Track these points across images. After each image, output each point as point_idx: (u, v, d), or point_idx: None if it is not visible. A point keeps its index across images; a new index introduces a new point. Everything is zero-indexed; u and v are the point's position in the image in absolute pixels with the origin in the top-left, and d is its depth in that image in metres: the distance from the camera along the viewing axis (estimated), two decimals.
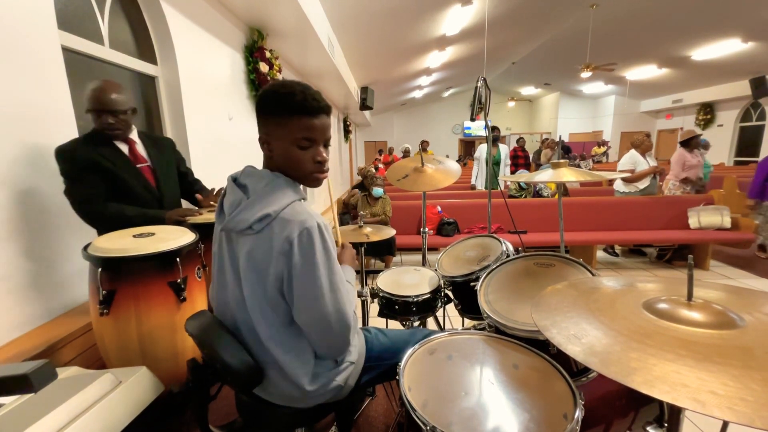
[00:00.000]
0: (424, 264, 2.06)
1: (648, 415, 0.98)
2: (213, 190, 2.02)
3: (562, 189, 4.46)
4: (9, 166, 1.39)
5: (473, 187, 5.53)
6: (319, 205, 7.16)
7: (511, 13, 6.15)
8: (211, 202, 1.93)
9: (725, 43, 7.25)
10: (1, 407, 0.86)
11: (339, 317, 0.87)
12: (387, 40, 5.81)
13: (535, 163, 7.62)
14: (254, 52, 3.47)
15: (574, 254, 3.81)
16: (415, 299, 1.54)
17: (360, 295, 1.74)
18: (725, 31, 6.81)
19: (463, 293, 1.50)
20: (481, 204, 4.09)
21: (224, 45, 3.09)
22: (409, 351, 0.97)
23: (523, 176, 3.64)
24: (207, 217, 1.75)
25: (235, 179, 0.93)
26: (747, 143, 9.72)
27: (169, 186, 1.72)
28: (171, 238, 1.37)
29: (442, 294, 1.62)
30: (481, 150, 5.36)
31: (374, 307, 1.74)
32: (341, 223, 4.01)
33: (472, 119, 2.25)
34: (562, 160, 1.49)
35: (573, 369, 1.00)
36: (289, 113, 0.85)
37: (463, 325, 1.76)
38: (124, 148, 1.57)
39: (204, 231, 1.50)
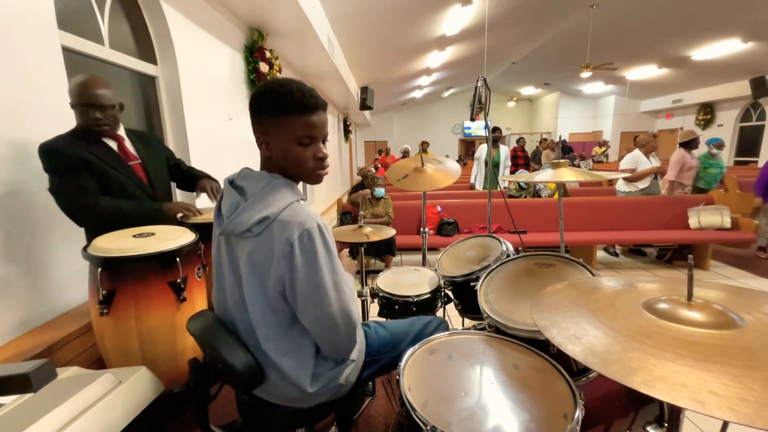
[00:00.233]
0: (424, 264, 2.06)
1: (648, 415, 0.98)
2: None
3: (562, 189, 4.46)
4: (10, 166, 1.39)
5: (472, 187, 5.53)
6: (319, 205, 7.16)
7: (511, 13, 6.15)
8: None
9: (725, 43, 7.25)
10: (1, 407, 0.86)
11: (344, 316, 0.87)
12: (387, 40, 5.81)
13: (533, 164, 7.62)
14: (254, 52, 3.47)
15: (574, 254, 3.81)
16: (415, 299, 1.54)
17: (360, 295, 1.74)
18: (725, 31, 6.81)
19: (463, 293, 1.50)
20: (481, 204, 4.09)
21: (224, 45, 3.09)
22: (409, 351, 0.97)
23: (523, 176, 3.64)
24: (207, 217, 1.75)
25: (231, 181, 0.92)
26: (747, 143, 9.72)
27: (161, 183, 1.67)
28: (171, 238, 1.37)
29: (442, 294, 1.62)
30: (482, 150, 5.36)
31: (374, 307, 1.74)
32: (341, 224, 4.01)
33: (472, 119, 2.25)
34: (562, 160, 1.49)
35: (573, 369, 1.00)
36: (287, 112, 0.84)
37: (463, 325, 1.76)
38: (113, 145, 1.51)
39: (204, 231, 1.49)
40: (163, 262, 1.34)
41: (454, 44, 7.06)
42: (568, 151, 9.76)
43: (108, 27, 2.04)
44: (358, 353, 1.03)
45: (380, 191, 3.71)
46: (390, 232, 1.85)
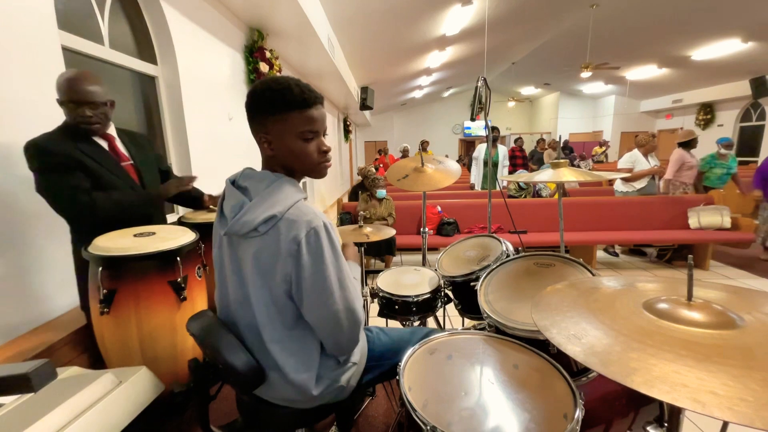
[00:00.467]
0: (424, 264, 2.06)
1: (648, 415, 0.98)
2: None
3: (562, 189, 4.46)
4: (14, 167, 1.39)
5: (472, 187, 5.54)
6: (319, 205, 7.16)
7: (511, 13, 6.15)
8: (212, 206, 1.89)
9: (725, 43, 7.25)
10: (1, 407, 0.86)
11: (349, 314, 0.88)
12: (387, 40, 5.81)
13: (530, 164, 7.62)
14: (254, 52, 3.47)
15: (574, 254, 3.81)
16: (415, 299, 1.54)
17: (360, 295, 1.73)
18: (725, 31, 6.81)
19: (463, 293, 1.50)
20: (481, 204, 4.09)
21: (224, 45, 3.09)
22: (409, 351, 0.97)
23: (522, 176, 3.64)
24: (207, 216, 1.75)
25: (233, 182, 0.93)
26: (747, 143, 9.71)
27: (154, 185, 1.61)
28: (171, 237, 1.38)
29: (442, 294, 1.62)
30: (480, 150, 5.37)
31: (374, 307, 1.74)
32: (341, 223, 4.01)
33: (472, 119, 2.25)
34: (562, 160, 1.49)
35: (573, 369, 1.00)
36: (288, 108, 0.85)
37: (463, 325, 1.76)
38: (104, 144, 1.45)
39: (204, 231, 1.49)
40: (164, 261, 1.34)
41: (454, 44, 7.05)
42: (568, 151, 9.75)
43: (108, 27, 2.04)
44: (360, 356, 1.03)
45: (381, 192, 3.71)
46: (390, 232, 1.85)
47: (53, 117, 1.55)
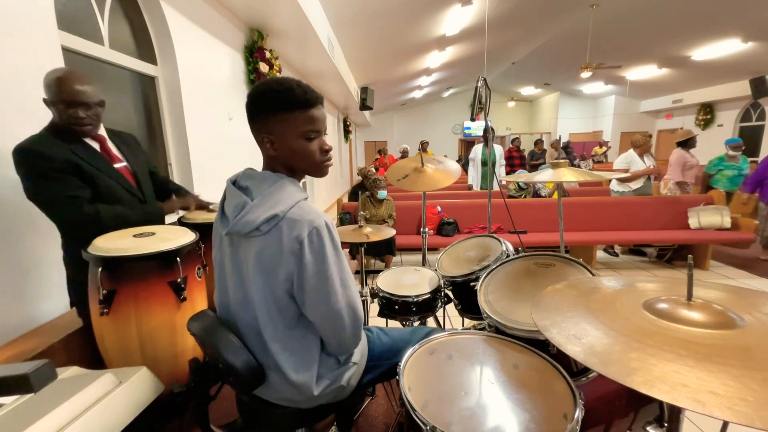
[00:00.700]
0: (424, 264, 2.06)
1: (648, 415, 0.98)
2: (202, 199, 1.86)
3: (562, 189, 4.46)
4: (7, 167, 1.39)
5: (470, 188, 5.54)
6: (319, 204, 7.16)
7: (511, 13, 6.15)
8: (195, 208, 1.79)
9: (725, 43, 7.25)
10: (1, 407, 0.86)
11: (351, 312, 0.89)
12: (387, 40, 5.81)
13: (529, 164, 7.63)
14: (254, 52, 3.47)
15: (574, 254, 3.81)
16: (415, 299, 1.54)
17: (360, 295, 1.73)
18: (725, 31, 6.81)
19: (463, 293, 1.50)
20: (480, 204, 4.09)
21: (224, 45, 3.09)
22: (409, 351, 0.97)
23: (522, 176, 3.64)
24: (207, 217, 1.75)
25: (234, 182, 0.93)
26: (747, 143, 9.66)
27: (148, 187, 1.57)
28: (171, 237, 1.37)
29: (442, 294, 1.62)
30: (476, 150, 5.38)
31: (374, 307, 1.74)
32: (341, 223, 4.01)
33: (472, 119, 2.25)
34: (561, 160, 1.49)
35: (573, 369, 1.00)
36: (291, 108, 0.86)
37: (463, 325, 1.75)
38: (95, 146, 1.40)
39: (204, 231, 1.49)
40: (164, 261, 1.33)
41: (454, 44, 7.05)
42: (570, 151, 9.75)
43: (108, 27, 2.04)
44: (360, 356, 1.03)
45: (383, 193, 3.71)
46: (390, 232, 1.85)
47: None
